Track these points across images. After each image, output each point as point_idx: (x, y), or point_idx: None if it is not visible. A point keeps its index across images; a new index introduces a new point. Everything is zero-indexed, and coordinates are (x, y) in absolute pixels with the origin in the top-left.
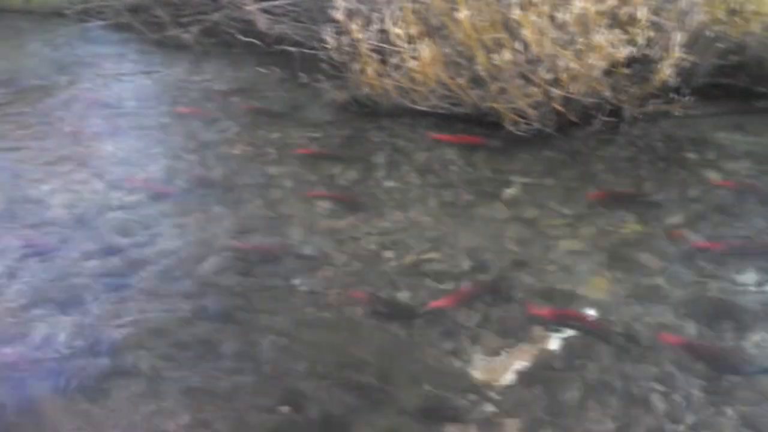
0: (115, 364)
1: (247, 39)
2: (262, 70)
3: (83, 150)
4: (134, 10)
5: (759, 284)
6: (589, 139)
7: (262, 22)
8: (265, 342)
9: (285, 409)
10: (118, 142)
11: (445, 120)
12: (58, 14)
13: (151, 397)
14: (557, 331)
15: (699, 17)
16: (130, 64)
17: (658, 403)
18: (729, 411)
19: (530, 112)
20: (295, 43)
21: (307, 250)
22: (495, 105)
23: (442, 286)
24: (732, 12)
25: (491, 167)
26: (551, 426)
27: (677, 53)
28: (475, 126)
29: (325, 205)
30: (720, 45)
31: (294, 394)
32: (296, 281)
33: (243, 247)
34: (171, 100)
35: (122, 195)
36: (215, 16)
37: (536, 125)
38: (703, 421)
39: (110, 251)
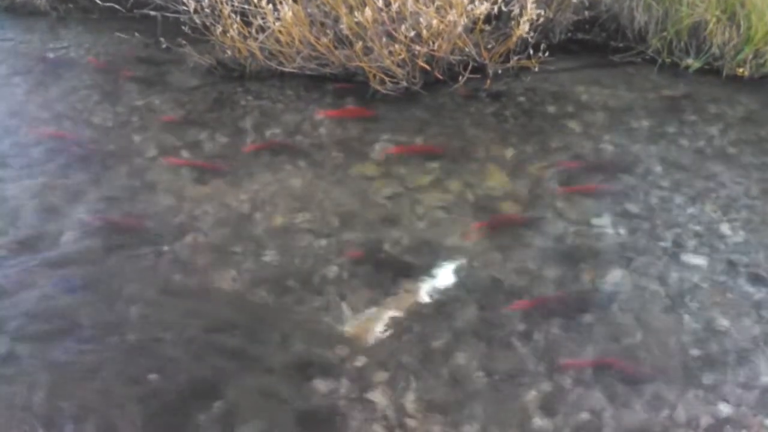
0: None
1: (106, 4)
2: (123, 35)
3: None
4: None
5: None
6: (455, 96)
7: None
8: (130, 311)
9: (153, 377)
10: None
11: (313, 81)
12: None
13: (11, 373)
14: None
15: None
16: None
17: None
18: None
19: (397, 70)
20: (157, 7)
21: (174, 217)
22: (362, 64)
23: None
24: None
25: (360, 127)
26: (419, 373)
27: (532, 9)
28: (344, 85)
29: (192, 171)
30: (575, 1)
31: (161, 361)
32: (163, 248)
33: (106, 216)
34: (26, 70)
35: None
36: None
37: (403, 84)
38: None
39: None
